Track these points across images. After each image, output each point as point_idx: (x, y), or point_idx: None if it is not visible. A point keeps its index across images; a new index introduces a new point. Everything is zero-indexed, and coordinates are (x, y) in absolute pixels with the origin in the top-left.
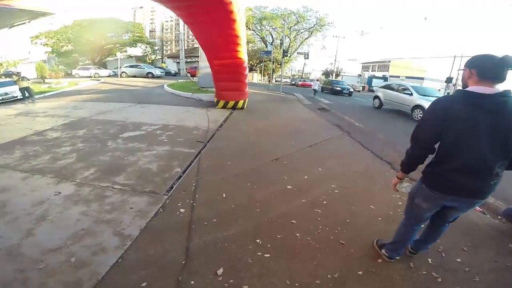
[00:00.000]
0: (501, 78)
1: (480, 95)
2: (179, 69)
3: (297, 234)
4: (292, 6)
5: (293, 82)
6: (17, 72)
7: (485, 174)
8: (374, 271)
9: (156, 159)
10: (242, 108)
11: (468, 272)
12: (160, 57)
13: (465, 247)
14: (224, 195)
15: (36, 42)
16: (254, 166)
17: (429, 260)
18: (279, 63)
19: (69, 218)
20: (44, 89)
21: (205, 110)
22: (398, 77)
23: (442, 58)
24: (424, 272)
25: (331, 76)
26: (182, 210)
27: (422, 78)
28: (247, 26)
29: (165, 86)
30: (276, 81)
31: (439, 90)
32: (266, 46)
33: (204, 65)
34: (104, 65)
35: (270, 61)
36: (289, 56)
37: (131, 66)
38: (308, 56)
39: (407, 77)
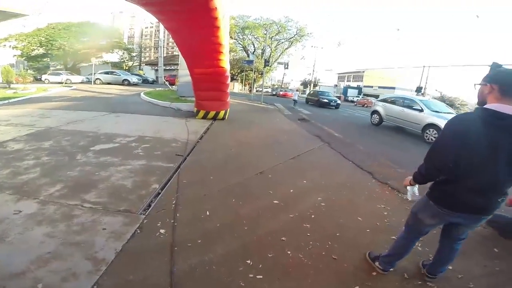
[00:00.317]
0: None
1: (505, 116)
2: (157, 77)
3: (288, 252)
4: (274, 16)
5: (274, 93)
6: None
7: (496, 193)
8: (370, 285)
9: (131, 175)
10: (223, 118)
11: (462, 279)
12: (137, 64)
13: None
14: (207, 213)
15: (5, 45)
16: (238, 180)
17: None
18: (260, 72)
19: (32, 239)
20: (8, 94)
21: (184, 120)
22: (372, 87)
23: (411, 68)
24: (419, 282)
25: (309, 86)
26: (162, 231)
27: (393, 88)
28: (229, 35)
29: (141, 94)
30: (257, 91)
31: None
32: (248, 56)
33: (184, 73)
34: (77, 71)
35: (252, 70)
36: (270, 66)
37: (106, 73)
38: (288, 66)
39: (379, 87)
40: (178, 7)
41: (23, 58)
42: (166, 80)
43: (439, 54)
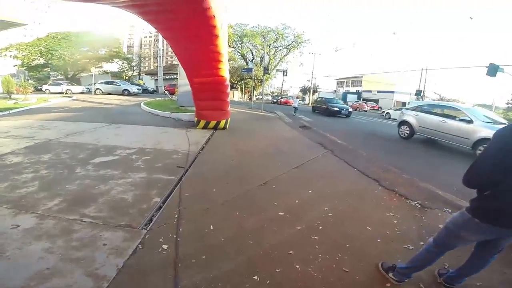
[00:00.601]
0: None
1: None
2: (157, 86)
3: (297, 266)
4: (271, 23)
5: (274, 100)
6: None
7: None
8: None
9: (131, 188)
10: (224, 128)
11: (480, 286)
12: (137, 73)
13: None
14: (211, 227)
15: (6, 54)
16: (242, 192)
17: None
18: (260, 80)
19: (30, 255)
20: (9, 105)
21: (184, 130)
22: (371, 91)
23: (409, 71)
24: None
25: (309, 93)
26: (165, 246)
27: (392, 92)
28: (228, 44)
29: (142, 104)
30: (257, 98)
31: (408, 102)
32: (247, 64)
33: (183, 82)
34: (77, 81)
35: (251, 78)
36: (269, 73)
37: (106, 83)
38: (286, 73)
39: (378, 91)
40: (175, 15)
41: (24, 68)
42: (166, 90)
43: (436, 56)
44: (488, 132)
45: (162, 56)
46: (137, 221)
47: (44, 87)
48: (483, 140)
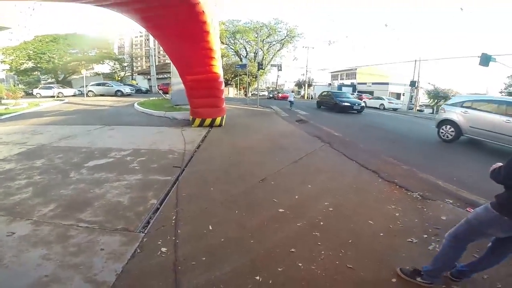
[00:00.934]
0: None
1: None
2: (150, 86)
3: (300, 264)
4: (263, 19)
5: (271, 95)
6: None
7: None
8: None
9: (127, 191)
10: (220, 125)
11: (488, 279)
12: (129, 74)
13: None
14: (210, 228)
15: None
16: (240, 190)
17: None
18: (254, 76)
19: (28, 262)
20: (0, 111)
21: (180, 129)
22: (365, 83)
23: (403, 62)
24: (443, 286)
25: (304, 87)
26: (163, 249)
27: (387, 84)
28: (220, 40)
29: (135, 104)
30: (252, 94)
31: (403, 94)
32: (241, 60)
33: (176, 81)
34: (68, 84)
35: (246, 74)
36: (264, 69)
37: (98, 84)
38: (281, 68)
39: (373, 83)
40: (162, 12)
41: (13, 73)
42: (159, 89)
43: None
44: None
45: (154, 55)
46: (134, 224)
47: (35, 91)
48: None
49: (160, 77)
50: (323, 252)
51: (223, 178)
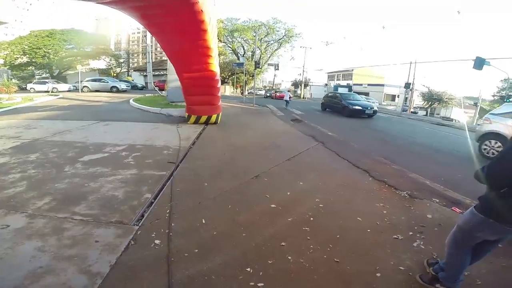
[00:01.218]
0: None
1: None
2: (146, 83)
3: (289, 257)
4: (262, 17)
5: (268, 94)
6: None
7: None
8: (375, 287)
9: (122, 185)
10: (215, 122)
11: (469, 276)
12: (125, 70)
13: None
14: (203, 221)
15: None
16: (233, 186)
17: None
18: (251, 75)
19: (23, 254)
20: None
21: (175, 126)
22: (361, 85)
23: (399, 64)
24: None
25: (300, 87)
26: (157, 242)
27: (382, 85)
28: (218, 38)
29: (131, 101)
30: (249, 93)
31: (397, 96)
32: (238, 58)
33: (172, 78)
34: (63, 79)
35: (243, 73)
36: (261, 68)
37: (94, 80)
38: (278, 67)
39: (369, 84)
40: (161, 11)
41: (7, 67)
42: (155, 86)
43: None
44: None
45: (151, 52)
46: (129, 217)
47: (29, 85)
48: None
49: (156, 74)
50: (311, 246)
51: (217, 174)
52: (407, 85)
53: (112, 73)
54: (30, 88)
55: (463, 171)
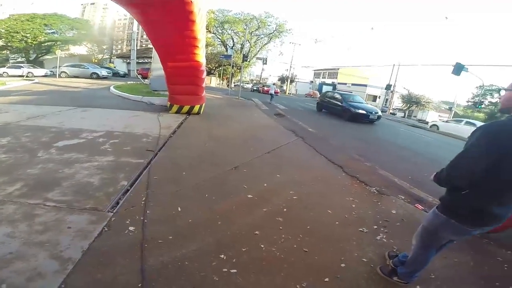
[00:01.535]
0: None
1: None
2: (129, 70)
3: (262, 246)
4: (254, 11)
5: (255, 88)
6: None
7: None
8: (340, 277)
9: (98, 172)
10: (198, 113)
11: (424, 270)
12: (108, 56)
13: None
14: (179, 209)
15: None
16: (212, 175)
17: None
18: (239, 67)
19: None
20: None
21: (156, 115)
22: (345, 84)
23: (382, 66)
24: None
25: (286, 82)
26: (131, 228)
27: (365, 85)
28: (207, 29)
29: (111, 88)
30: (235, 85)
31: (379, 97)
32: (226, 50)
33: (157, 66)
34: (40, 64)
35: (230, 65)
36: (249, 61)
37: (73, 66)
38: (266, 61)
39: (353, 84)
40: (151, 0)
41: None
42: (138, 74)
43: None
44: None
45: (136, 39)
46: (103, 204)
47: (1, 70)
48: None
49: (140, 61)
50: (283, 236)
51: (196, 163)
52: (388, 87)
53: (93, 59)
54: (3, 73)
55: (429, 170)
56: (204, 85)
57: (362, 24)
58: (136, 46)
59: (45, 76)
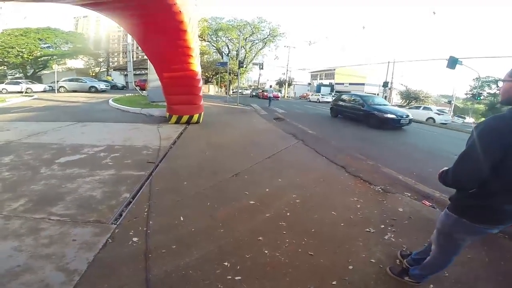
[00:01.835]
0: None
1: None
2: (127, 82)
3: (266, 251)
4: (247, 17)
5: (254, 93)
6: None
7: None
8: (348, 279)
9: (100, 185)
10: (197, 122)
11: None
12: (105, 69)
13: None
14: (181, 219)
15: None
16: (213, 184)
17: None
18: (236, 74)
19: None
20: None
21: (156, 126)
22: (343, 84)
23: (378, 64)
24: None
25: (284, 86)
26: (135, 239)
27: (363, 84)
28: (202, 38)
29: (110, 101)
30: (233, 92)
31: (377, 94)
32: (222, 57)
33: (153, 77)
34: (38, 79)
35: (227, 72)
36: (245, 67)
37: (71, 80)
38: (262, 66)
39: (350, 84)
40: (139, 11)
41: None
42: (136, 85)
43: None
44: None
45: (132, 51)
46: (106, 216)
47: (0, 86)
48: None
49: (137, 73)
50: (287, 240)
51: (197, 173)
52: (385, 84)
53: (91, 73)
54: (2, 89)
55: (433, 165)
56: (201, 93)
57: (355, 23)
58: (132, 57)
59: (44, 91)
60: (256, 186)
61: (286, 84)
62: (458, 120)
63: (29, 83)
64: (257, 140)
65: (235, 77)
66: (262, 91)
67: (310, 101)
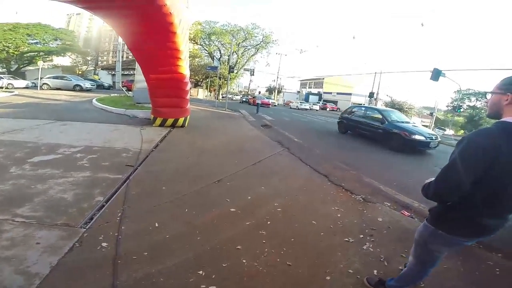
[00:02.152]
0: None
1: None
2: (114, 82)
3: (244, 260)
4: (241, 22)
5: (244, 99)
6: None
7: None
8: None
9: (72, 187)
10: (182, 126)
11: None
12: (92, 68)
13: (403, 254)
14: (156, 225)
15: None
16: (194, 190)
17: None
18: (226, 79)
19: None
20: None
21: (139, 128)
22: (331, 93)
23: (365, 74)
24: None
25: (274, 93)
26: (104, 244)
27: (350, 94)
28: (194, 41)
29: (94, 100)
30: (223, 97)
31: (363, 104)
32: (213, 62)
33: (140, 78)
34: (22, 75)
35: (217, 76)
36: (236, 72)
37: (55, 77)
38: (253, 72)
39: (338, 93)
40: (128, 12)
41: None
42: (123, 86)
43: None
44: None
45: (122, 51)
46: (76, 220)
47: None
48: None
49: (126, 73)
50: (266, 249)
51: (177, 178)
52: (371, 95)
53: (77, 71)
54: None
55: (414, 176)
56: (188, 97)
57: (345, 33)
58: (122, 57)
59: (26, 88)
60: (238, 193)
61: (276, 91)
62: (438, 132)
63: (11, 78)
64: (243, 146)
65: (225, 81)
66: (253, 97)
67: (290, 108)
